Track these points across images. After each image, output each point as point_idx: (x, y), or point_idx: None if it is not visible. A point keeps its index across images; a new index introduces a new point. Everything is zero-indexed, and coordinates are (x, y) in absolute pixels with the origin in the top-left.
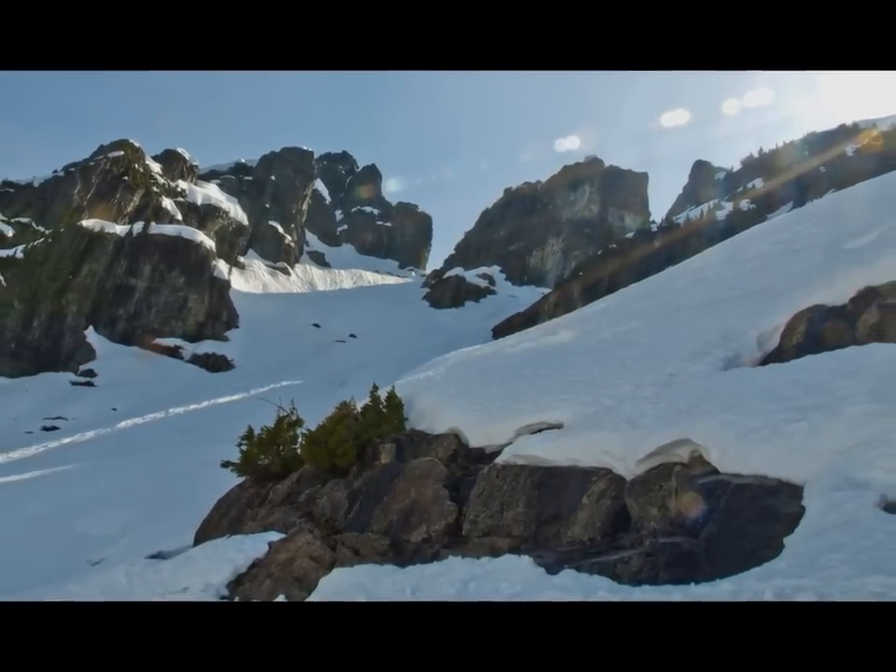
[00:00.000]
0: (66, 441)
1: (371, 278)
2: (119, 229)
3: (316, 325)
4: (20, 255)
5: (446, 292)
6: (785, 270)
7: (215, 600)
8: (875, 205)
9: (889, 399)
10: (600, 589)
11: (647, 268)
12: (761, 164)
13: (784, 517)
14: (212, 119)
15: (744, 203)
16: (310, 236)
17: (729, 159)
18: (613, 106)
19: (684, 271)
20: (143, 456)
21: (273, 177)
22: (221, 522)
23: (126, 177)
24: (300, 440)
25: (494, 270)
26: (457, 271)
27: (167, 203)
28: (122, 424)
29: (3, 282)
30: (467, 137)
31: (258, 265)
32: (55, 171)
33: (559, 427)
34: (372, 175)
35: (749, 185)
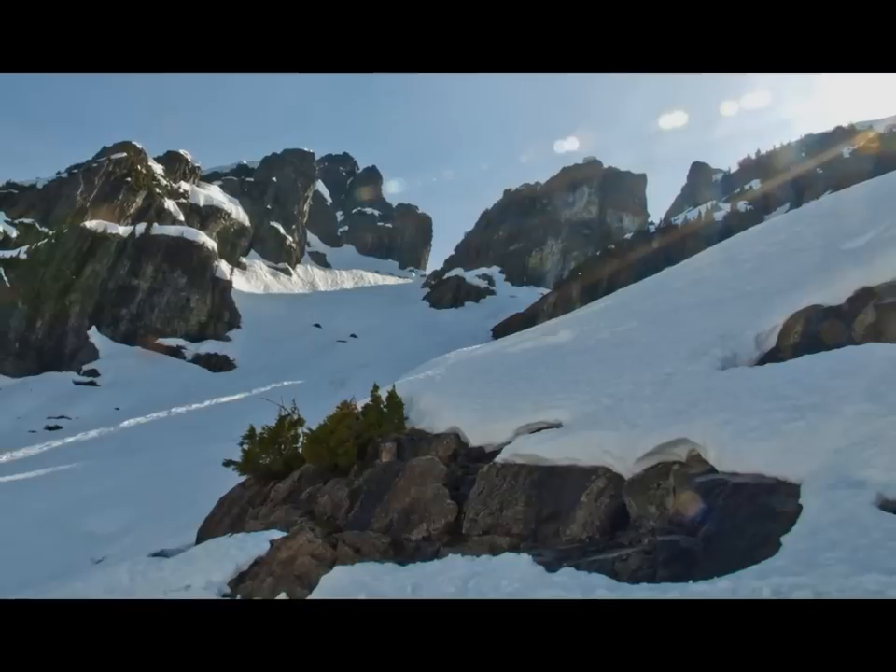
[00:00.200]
0: (70, 440)
1: (371, 279)
2: (122, 230)
3: (317, 325)
4: (23, 256)
5: (446, 292)
6: (782, 270)
7: (217, 598)
8: (871, 206)
9: (886, 399)
10: (599, 587)
11: (645, 268)
12: (758, 166)
13: (781, 516)
14: (214, 121)
15: (741, 205)
16: (311, 237)
17: (727, 160)
18: (612, 108)
19: (682, 271)
20: (145, 455)
21: (274, 179)
22: (223, 520)
23: (129, 179)
24: (301, 439)
25: (493, 270)
26: (457, 271)
27: (170, 204)
28: (125, 423)
29: (7, 282)
30: (466, 139)
31: (259, 266)
32: (58, 172)
33: (558, 426)
34: (373, 176)
35: (747, 186)
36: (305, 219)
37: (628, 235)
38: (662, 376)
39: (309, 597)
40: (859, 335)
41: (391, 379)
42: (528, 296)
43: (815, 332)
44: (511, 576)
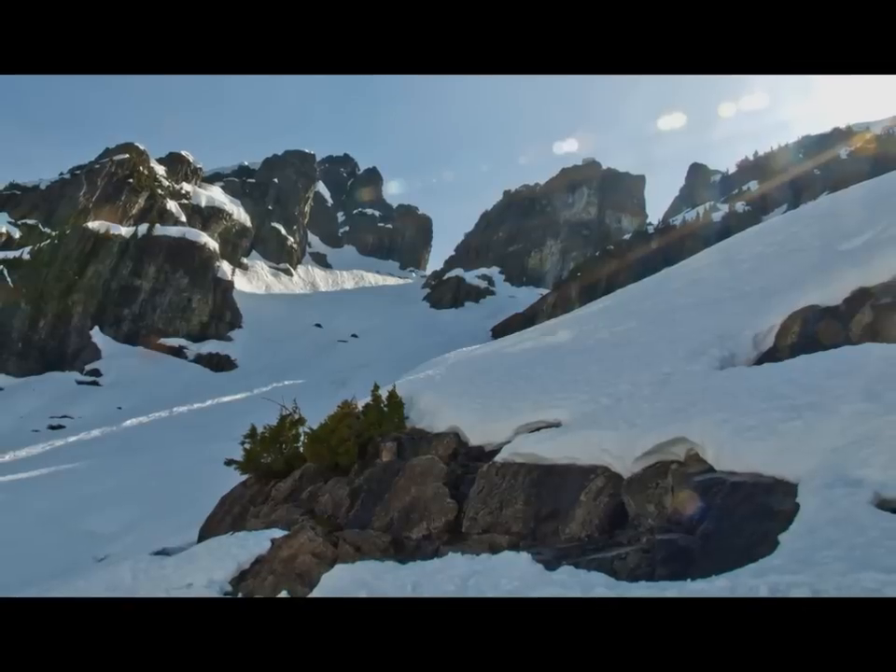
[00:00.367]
0: (72, 439)
1: (372, 279)
2: (125, 230)
3: (318, 325)
4: (26, 256)
5: (446, 293)
6: (780, 271)
7: (218, 596)
8: (868, 207)
9: (883, 398)
10: (598, 585)
11: (644, 269)
12: (756, 167)
13: (779, 514)
14: (216, 123)
15: (739, 205)
16: (312, 238)
17: (725, 161)
18: (611, 110)
19: (681, 272)
20: (147, 455)
21: (275, 180)
22: (225, 519)
23: (131, 180)
24: (302, 438)
25: (493, 271)
26: (457, 272)
27: (171, 205)
28: (127, 422)
29: (10, 283)
30: (466, 140)
31: (260, 266)
32: (61, 173)
33: (557, 425)
34: (374, 177)
35: (745, 187)
36: (306, 220)
37: (627, 236)
38: (660, 376)
39: (310, 595)
40: (855, 335)
41: (391, 379)
42: (528, 296)
43: (812, 332)
44: (510, 574)
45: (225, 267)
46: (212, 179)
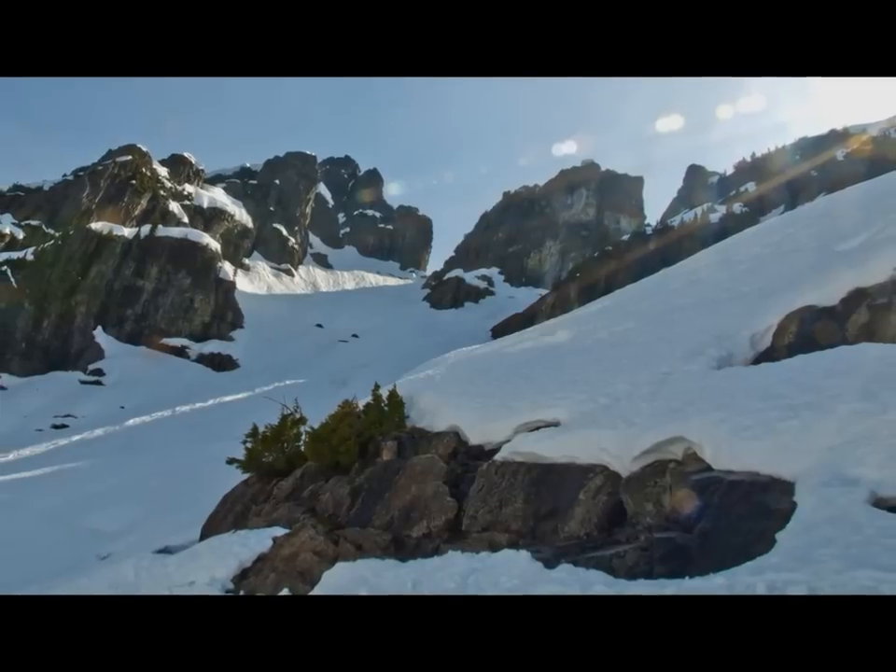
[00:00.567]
0: (75, 438)
1: (372, 280)
2: (127, 231)
3: (319, 325)
4: (30, 257)
5: (446, 293)
6: (777, 271)
7: (220, 594)
8: (864, 208)
9: (879, 398)
10: (596, 583)
11: (642, 270)
12: (753, 168)
13: (776, 513)
14: (217, 125)
15: (737, 207)
16: (313, 238)
17: (722, 163)
18: (610, 112)
19: (679, 272)
20: (150, 454)
21: (277, 181)
22: (227, 517)
23: (134, 181)
24: (303, 437)
25: (493, 271)
26: (457, 272)
27: (174, 206)
28: (130, 422)
29: (14, 283)
30: (466, 142)
31: (262, 267)
32: (64, 175)
33: (556, 424)
34: (374, 178)
35: (742, 188)
36: (307, 221)
37: (625, 237)
38: (658, 376)
39: (311, 593)
40: (852, 335)
41: (392, 378)
42: (527, 296)
43: (809, 332)
44: (510, 572)
45: (227, 268)
46: (214, 181)
